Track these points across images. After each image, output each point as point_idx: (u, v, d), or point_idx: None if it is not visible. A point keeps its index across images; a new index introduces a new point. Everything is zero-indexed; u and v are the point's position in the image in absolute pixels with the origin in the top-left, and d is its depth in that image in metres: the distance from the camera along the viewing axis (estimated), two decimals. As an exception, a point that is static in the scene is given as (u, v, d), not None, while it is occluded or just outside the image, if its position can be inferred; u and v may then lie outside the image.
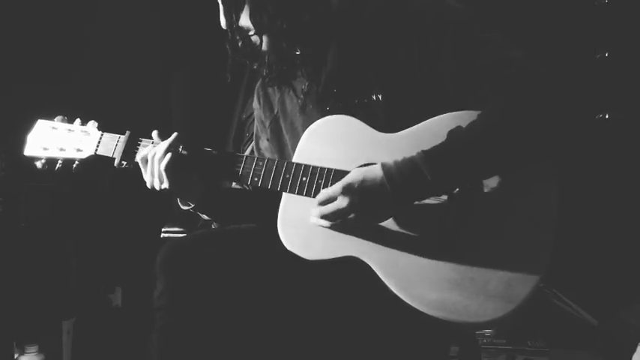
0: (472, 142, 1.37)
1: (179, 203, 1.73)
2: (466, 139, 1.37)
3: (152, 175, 1.62)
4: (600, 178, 2.71)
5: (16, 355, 2.69)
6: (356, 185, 1.41)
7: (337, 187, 1.43)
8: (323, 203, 1.46)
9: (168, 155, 1.59)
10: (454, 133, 1.39)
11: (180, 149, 1.62)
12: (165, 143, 1.61)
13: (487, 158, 1.38)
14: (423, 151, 1.38)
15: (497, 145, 1.37)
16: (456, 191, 1.44)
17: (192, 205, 1.71)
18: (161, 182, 1.61)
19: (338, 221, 1.45)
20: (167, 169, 1.59)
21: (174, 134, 1.63)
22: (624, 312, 2.56)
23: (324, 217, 1.45)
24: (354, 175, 1.42)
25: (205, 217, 1.78)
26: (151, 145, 1.67)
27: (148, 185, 1.65)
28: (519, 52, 1.43)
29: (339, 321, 1.57)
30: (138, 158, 1.65)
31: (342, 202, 1.42)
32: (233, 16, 1.56)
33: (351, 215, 1.43)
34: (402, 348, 1.55)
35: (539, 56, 1.43)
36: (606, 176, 2.73)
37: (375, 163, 1.43)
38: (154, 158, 1.60)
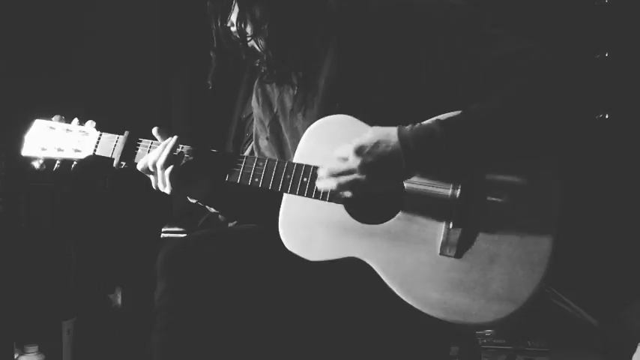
0: (489, 114, 1.37)
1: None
2: (483, 111, 1.37)
3: (156, 179, 1.62)
4: (600, 179, 2.71)
5: (16, 355, 2.69)
6: (369, 148, 1.39)
7: (350, 147, 1.40)
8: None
9: (170, 160, 1.58)
10: (471, 107, 1.39)
11: (181, 153, 1.61)
12: (167, 148, 1.59)
13: (501, 133, 1.37)
14: (438, 119, 1.38)
15: (513, 120, 1.37)
16: (459, 190, 1.44)
17: (199, 199, 1.71)
18: (164, 186, 1.60)
19: (344, 181, 1.42)
20: (170, 175, 1.58)
21: (175, 137, 1.61)
22: (624, 312, 2.56)
23: (332, 174, 1.43)
24: (369, 137, 1.40)
25: (212, 209, 1.78)
26: (150, 149, 1.66)
27: (153, 187, 1.64)
28: (534, 44, 1.43)
29: (340, 321, 1.57)
30: (139, 167, 1.63)
31: (353, 162, 1.40)
32: (220, 21, 1.56)
33: (361, 177, 1.40)
34: (402, 348, 1.55)
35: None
36: (606, 176, 2.73)
37: None
38: (155, 165, 1.59)
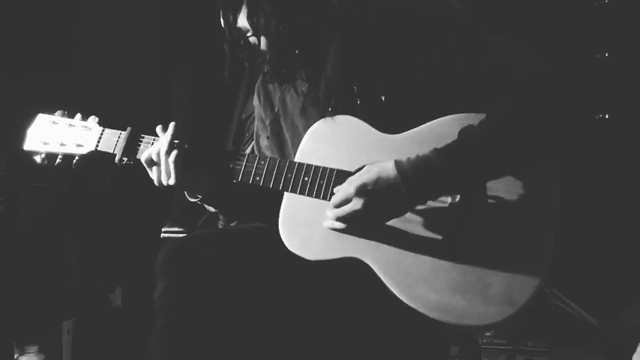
0: (485, 138, 1.37)
1: (186, 195, 1.73)
2: (479, 136, 1.37)
3: (159, 171, 1.62)
4: (600, 179, 2.71)
5: (16, 355, 2.69)
6: (370, 186, 1.40)
7: (351, 188, 1.42)
8: (338, 206, 1.45)
9: (174, 149, 1.58)
10: (466, 131, 1.39)
11: (184, 144, 1.61)
12: (168, 136, 1.59)
13: (499, 155, 1.38)
14: (435, 149, 1.38)
15: (509, 143, 1.37)
16: (458, 197, 1.44)
17: (200, 197, 1.70)
18: (169, 177, 1.60)
19: (351, 222, 1.44)
20: (174, 162, 1.58)
21: (172, 124, 1.61)
22: (624, 312, 2.56)
23: (339, 219, 1.45)
24: (368, 175, 1.41)
25: (212, 209, 1.78)
26: (152, 143, 1.66)
27: (156, 183, 1.64)
28: (529, 54, 1.43)
29: (340, 320, 1.57)
30: (142, 159, 1.64)
31: (357, 204, 1.41)
32: (230, 16, 1.57)
33: (366, 216, 1.42)
34: (402, 348, 1.55)
35: (540, 56, 1.43)
36: (606, 176, 2.73)
37: None
38: (159, 154, 1.60)
